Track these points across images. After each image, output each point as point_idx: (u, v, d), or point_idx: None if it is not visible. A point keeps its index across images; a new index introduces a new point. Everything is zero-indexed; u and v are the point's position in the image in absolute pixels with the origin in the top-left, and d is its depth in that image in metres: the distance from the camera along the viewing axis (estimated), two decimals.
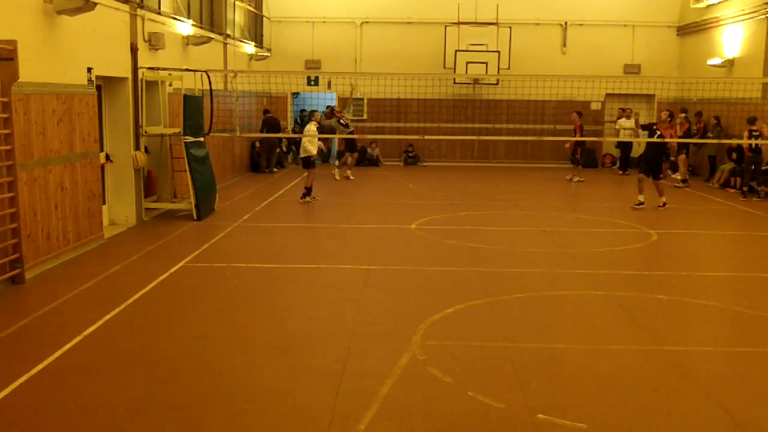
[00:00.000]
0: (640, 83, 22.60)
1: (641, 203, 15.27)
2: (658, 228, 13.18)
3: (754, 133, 16.68)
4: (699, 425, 5.48)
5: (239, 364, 6.51)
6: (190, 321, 7.73)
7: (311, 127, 15.57)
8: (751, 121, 16.89)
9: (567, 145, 20.48)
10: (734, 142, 18.04)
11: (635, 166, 18.93)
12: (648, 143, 15.66)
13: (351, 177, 19.86)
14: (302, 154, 15.62)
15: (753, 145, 16.71)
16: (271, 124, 20.61)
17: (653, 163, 15.38)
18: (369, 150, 23.75)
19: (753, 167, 16.96)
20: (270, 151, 21.52)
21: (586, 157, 23.76)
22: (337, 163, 20.74)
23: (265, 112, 21.23)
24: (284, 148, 23.29)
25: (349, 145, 20.36)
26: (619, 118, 21.57)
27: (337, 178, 19.78)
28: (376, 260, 10.47)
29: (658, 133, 15.43)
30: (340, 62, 23.86)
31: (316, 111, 16.73)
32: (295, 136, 23.68)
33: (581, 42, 23.79)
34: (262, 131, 20.27)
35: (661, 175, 15.73)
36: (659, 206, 15.20)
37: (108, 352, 6.74)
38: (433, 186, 18.80)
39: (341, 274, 9.81)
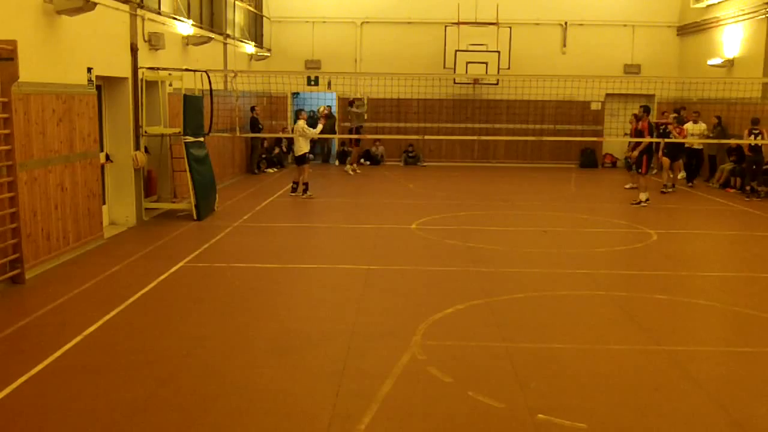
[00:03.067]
0: (640, 83, 22.57)
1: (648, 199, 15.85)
2: (658, 228, 13.18)
3: (754, 131, 16.73)
4: (699, 425, 5.48)
5: (239, 364, 6.51)
6: (190, 321, 7.73)
7: (300, 124, 16.27)
8: (755, 121, 16.92)
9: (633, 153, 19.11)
10: (732, 142, 18.04)
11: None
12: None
13: (358, 171, 21.16)
14: (296, 153, 16.41)
15: (752, 145, 16.76)
16: (251, 124, 20.34)
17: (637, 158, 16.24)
18: (373, 149, 23.76)
19: (754, 167, 16.98)
20: (252, 152, 21.27)
21: (585, 158, 23.88)
22: (337, 161, 20.89)
23: (252, 109, 20.65)
24: (284, 148, 23.27)
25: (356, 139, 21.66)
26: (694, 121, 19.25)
27: (350, 173, 20.94)
28: (376, 260, 10.47)
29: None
30: (340, 62, 23.85)
31: (303, 110, 17.41)
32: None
33: (581, 42, 23.78)
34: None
35: (640, 170, 16.06)
36: (634, 202, 15.79)
37: (108, 352, 6.74)
38: (433, 186, 18.80)
39: (341, 274, 9.81)
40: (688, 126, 18.89)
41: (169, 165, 14.09)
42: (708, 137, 18.86)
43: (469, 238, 12.16)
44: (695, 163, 19.55)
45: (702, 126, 18.77)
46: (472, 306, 8.24)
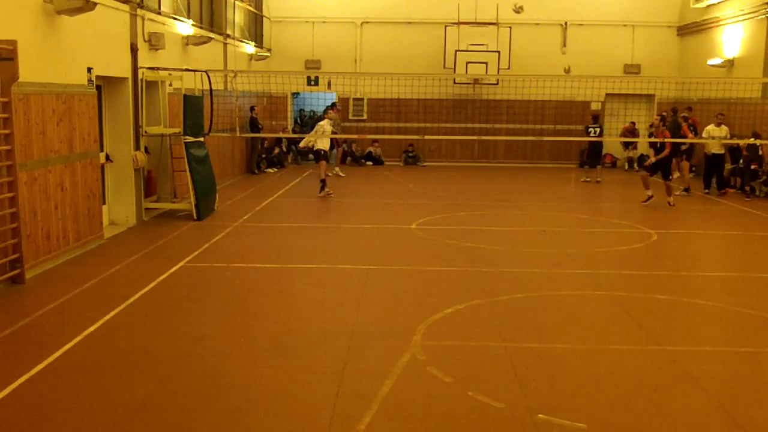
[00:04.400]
0: (640, 83, 22.59)
1: (651, 197, 15.79)
2: (658, 228, 13.18)
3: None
4: (699, 425, 5.48)
5: (239, 364, 6.51)
6: (190, 321, 7.73)
7: (326, 126, 16.46)
8: (756, 135, 16.87)
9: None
10: (730, 142, 18.03)
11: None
12: (653, 144, 16.17)
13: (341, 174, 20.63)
14: (315, 147, 16.67)
15: (748, 144, 16.86)
16: (250, 124, 20.29)
17: (662, 164, 15.74)
18: (371, 149, 23.75)
19: (752, 167, 17.02)
20: (252, 152, 21.30)
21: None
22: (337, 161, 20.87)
23: (251, 109, 20.52)
24: (284, 148, 23.26)
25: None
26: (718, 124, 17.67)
27: (341, 174, 20.48)
28: (376, 260, 10.46)
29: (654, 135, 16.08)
30: (340, 62, 23.86)
31: (330, 108, 17.70)
32: (295, 136, 23.70)
33: (581, 42, 23.78)
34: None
35: (670, 177, 15.92)
36: (670, 204, 15.53)
37: (108, 352, 6.74)
38: (433, 186, 18.80)
39: (341, 274, 9.80)
40: (710, 129, 17.55)
41: (169, 165, 14.09)
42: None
43: (469, 238, 12.16)
44: (716, 170, 17.75)
45: (725, 129, 17.45)
46: (472, 306, 8.23)
